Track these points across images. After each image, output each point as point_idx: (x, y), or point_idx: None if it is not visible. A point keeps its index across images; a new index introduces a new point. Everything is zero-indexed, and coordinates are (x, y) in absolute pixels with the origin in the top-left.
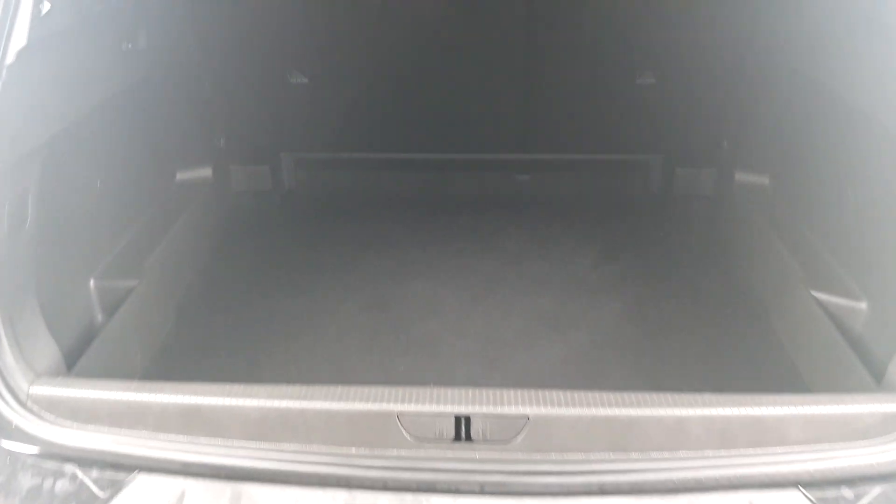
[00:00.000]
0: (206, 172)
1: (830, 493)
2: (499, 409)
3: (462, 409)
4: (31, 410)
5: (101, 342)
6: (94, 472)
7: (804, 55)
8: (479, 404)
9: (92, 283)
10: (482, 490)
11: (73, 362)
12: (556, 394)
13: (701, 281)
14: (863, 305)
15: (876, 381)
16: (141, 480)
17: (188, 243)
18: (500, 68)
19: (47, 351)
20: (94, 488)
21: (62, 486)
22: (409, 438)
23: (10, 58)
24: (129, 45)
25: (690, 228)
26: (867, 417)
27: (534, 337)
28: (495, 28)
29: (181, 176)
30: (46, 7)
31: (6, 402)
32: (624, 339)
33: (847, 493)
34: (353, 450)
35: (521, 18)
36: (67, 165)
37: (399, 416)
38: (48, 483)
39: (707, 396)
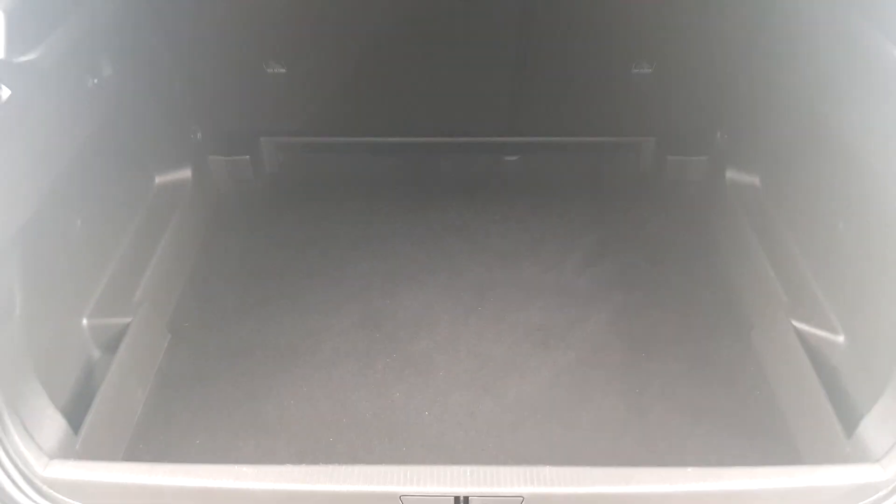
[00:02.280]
0: (185, 172)
1: None
2: (495, 490)
3: (461, 490)
4: (45, 496)
5: (104, 392)
6: None
7: (807, 85)
8: (477, 485)
9: (85, 322)
10: None
11: (79, 417)
12: (549, 471)
13: (687, 288)
14: (840, 339)
15: (846, 433)
16: None
17: (176, 256)
18: (490, 53)
19: (54, 425)
20: None
21: None
22: None
23: None
24: (95, 81)
25: (679, 224)
26: (832, 490)
27: (523, 356)
28: (486, 10)
29: (161, 179)
30: (6, 93)
31: (21, 490)
32: (609, 356)
33: None
34: None
35: (515, 3)
36: (45, 224)
37: (402, 497)
38: None
39: (691, 472)
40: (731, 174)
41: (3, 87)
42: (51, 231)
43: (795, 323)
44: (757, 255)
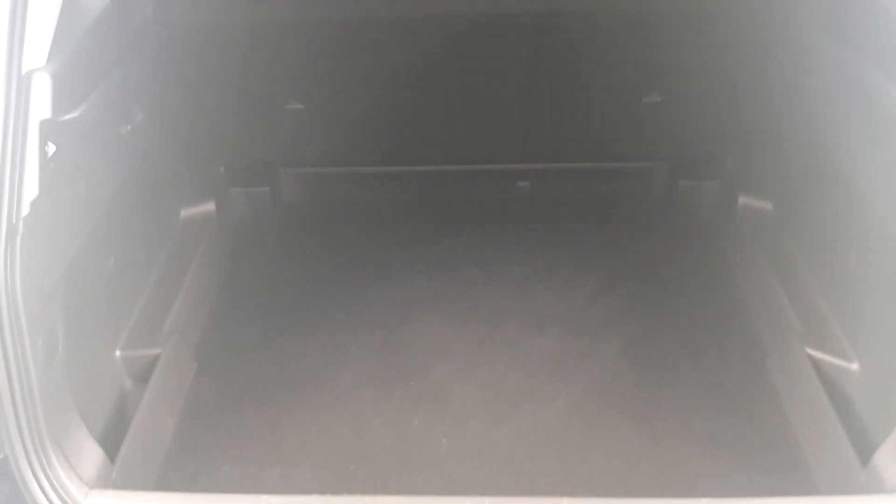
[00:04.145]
0: (209, 206)
1: None
2: None
3: None
4: None
5: (137, 421)
6: None
7: (816, 118)
8: None
9: (118, 353)
10: None
11: (115, 446)
12: (567, 503)
13: (699, 316)
14: (855, 367)
15: (861, 462)
16: None
17: (200, 289)
18: (502, 83)
19: (92, 455)
20: None
21: None
22: None
23: (24, 209)
24: (128, 128)
25: (691, 250)
26: None
27: (538, 385)
28: (498, 41)
29: (185, 213)
30: (52, 149)
31: None
32: (623, 385)
33: None
34: None
35: (525, 35)
36: (82, 266)
37: None
38: None
39: (704, 502)
40: (743, 200)
41: (51, 143)
42: (88, 272)
43: (809, 350)
44: (770, 282)
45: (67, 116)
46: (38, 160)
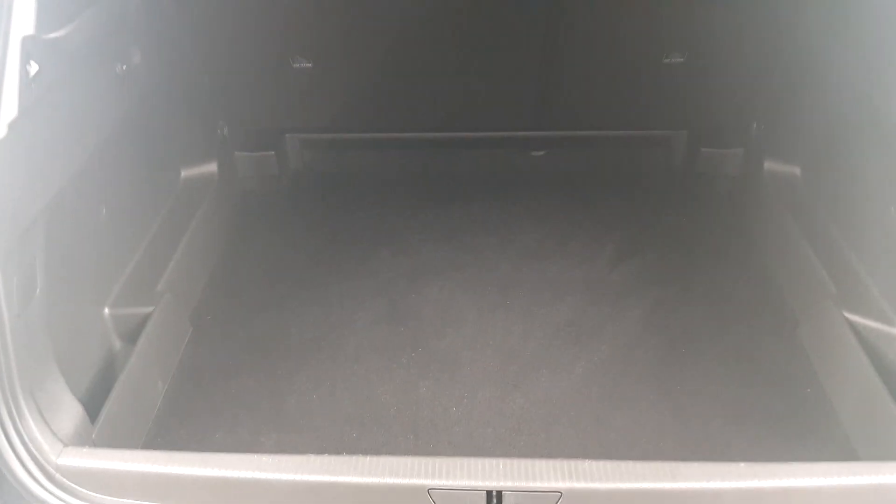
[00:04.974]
0: (211, 167)
1: None
2: (531, 484)
3: (493, 484)
4: (58, 484)
5: (123, 381)
6: None
7: (852, 63)
8: (511, 479)
9: (107, 311)
10: None
11: (97, 406)
12: (589, 465)
13: (724, 282)
14: None
15: None
16: None
17: (200, 249)
18: (517, 46)
19: (70, 411)
20: None
21: None
22: None
23: (0, 132)
24: (124, 67)
25: (714, 217)
26: None
27: (555, 352)
28: (514, 4)
29: (186, 173)
30: (35, 69)
31: (34, 478)
32: (646, 353)
33: None
34: None
35: None
36: (70, 209)
37: (430, 491)
38: None
39: (743, 467)
40: (769, 165)
41: (33, 62)
42: (76, 217)
43: (847, 315)
44: (800, 246)
45: (53, 35)
46: (18, 78)
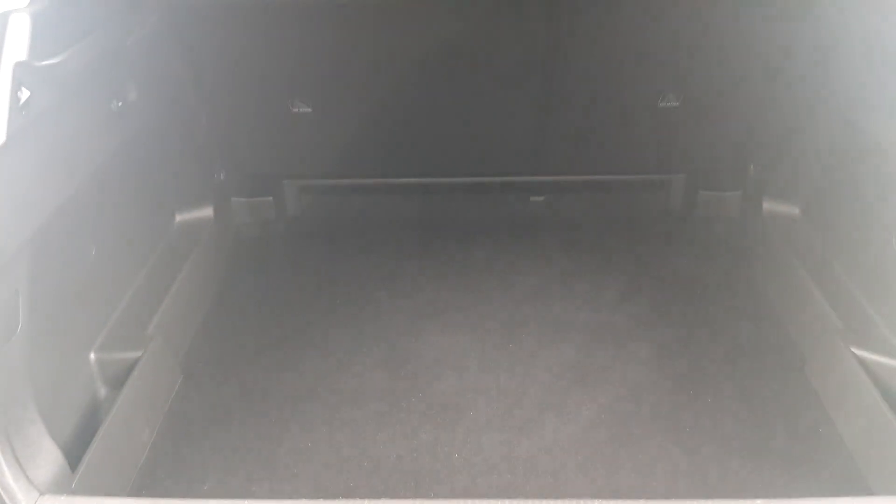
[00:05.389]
0: (207, 211)
1: None
2: None
3: None
4: None
5: (107, 428)
6: None
7: (846, 96)
8: None
9: (92, 356)
10: None
11: (79, 454)
12: None
13: (731, 323)
14: None
15: None
16: None
17: (192, 294)
18: (513, 92)
19: (49, 457)
20: None
21: None
22: None
23: None
24: (119, 103)
25: (716, 258)
26: None
27: (560, 394)
28: (509, 49)
29: (181, 217)
30: (25, 94)
31: None
32: (654, 395)
33: None
34: None
35: (537, 39)
36: (58, 243)
37: None
38: None
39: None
40: (767, 206)
41: (24, 88)
42: (63, 255)
43: (855, 350)
44: (804, 283)
45: (45, 62)
46: (9, 104)
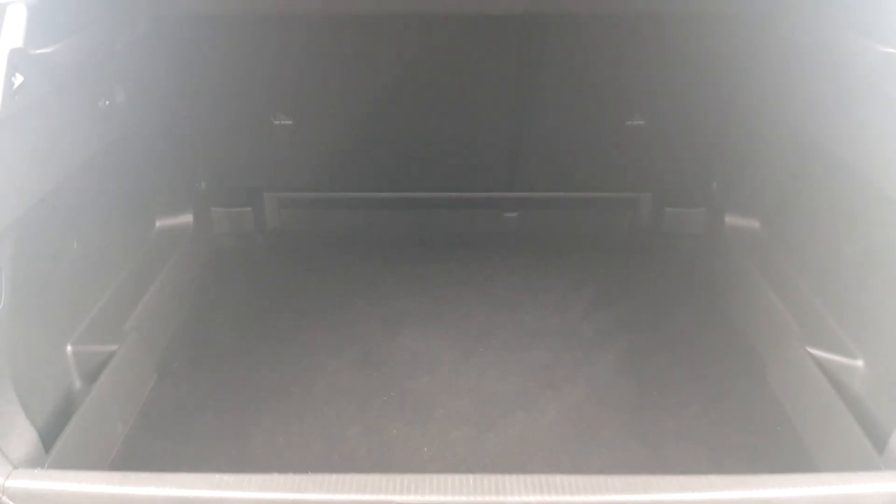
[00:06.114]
0: (187, 218)
1: None
2: (502, 499)
3: (463, 499)
4: None
5: (82, 415)
6: None
7: (799, 111)
8: (481, 494)
9: (69, 348)
10: None
11: (52, 439)
12: (561, 479)
13: (693, 329)
14: (860, 364)
15: (877, 450)
16: None
17: (170, 296)
18: (488, 110)
19: (24, 435)
20: None
21: None
22: None
23: None
24: (107, 103)
25: (681, 271)
26: (872, 498)
27: (529, 395)
28: (483, 69)
29: (161, 223)
30: (19, 80)
31: None
32: (619, 395)
33: None
34: None
35: (510, 60)
36: (42, 232)
37: None
38: None
39: (711, 479)
40: (730, 220)
41: (18, 74)
42: (46, 244)
43: (811, 350)
44: (763, 291)
45: (39, 51)
46: (3, 88)
